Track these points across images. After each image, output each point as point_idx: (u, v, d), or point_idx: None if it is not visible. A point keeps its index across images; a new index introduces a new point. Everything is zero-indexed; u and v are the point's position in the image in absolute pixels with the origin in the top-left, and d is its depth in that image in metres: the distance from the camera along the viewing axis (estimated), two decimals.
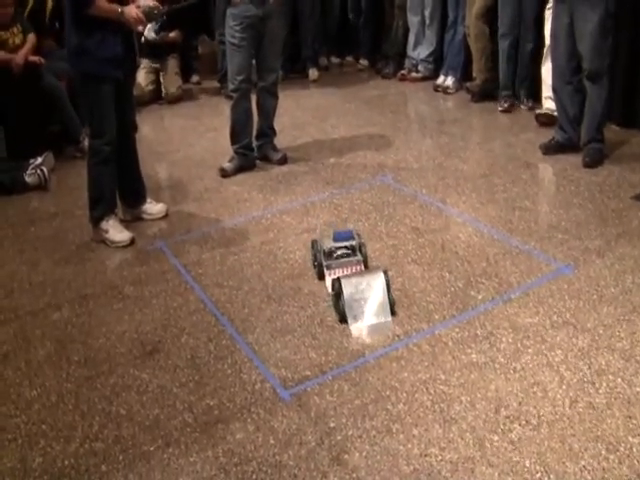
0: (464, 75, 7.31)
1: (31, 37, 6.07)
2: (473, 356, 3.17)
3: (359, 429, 2.80)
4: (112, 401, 3.07)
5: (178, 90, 7.78)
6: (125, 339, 3.51)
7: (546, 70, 5.92)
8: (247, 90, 5.38)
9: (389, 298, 3.52)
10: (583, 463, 2.54)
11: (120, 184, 4.63)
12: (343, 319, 3.48)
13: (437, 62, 7.71)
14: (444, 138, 6.02)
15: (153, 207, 4.82)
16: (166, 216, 4.82)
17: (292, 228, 4.55)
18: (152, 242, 4.50)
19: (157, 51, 7.60)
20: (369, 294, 3.49)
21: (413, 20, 7.72)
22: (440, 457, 2.62)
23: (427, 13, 7.49)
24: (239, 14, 5.11)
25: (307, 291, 3.82)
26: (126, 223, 4.67)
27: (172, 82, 7.77)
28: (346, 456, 2.67)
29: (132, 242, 4.48)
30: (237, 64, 5.27)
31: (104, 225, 4.48)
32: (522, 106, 6.55)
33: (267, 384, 3.10)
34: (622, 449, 2.58)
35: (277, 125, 5.74)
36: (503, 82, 6.56)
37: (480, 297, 3.64)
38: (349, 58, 8.94)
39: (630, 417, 2.73)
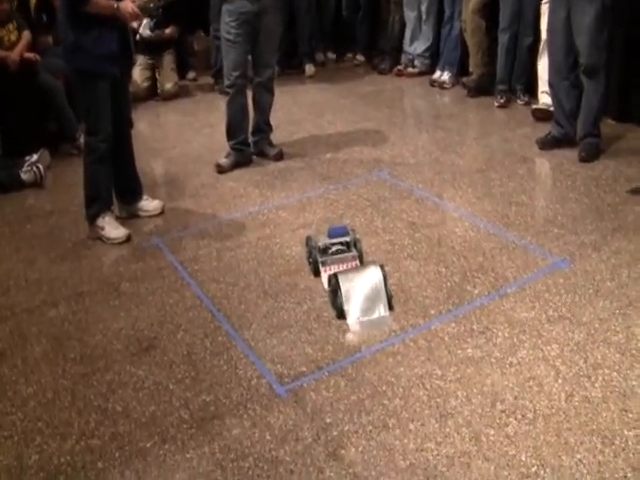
0: (460, 70, 7.30)
1: (26, 34, 6.07)
2: (469, 351, 3.17)
3: (355, 424, 2.80)
4: (108, 398, 3.06)
5: (174, 86, 7.78)
6: (121, 336, 3.50)
7: (542, 65, 5.93)
8: (243, 86, 5.38)
9: (387, 292, 3.52)
10: (579, 457, 2.54)
11: (116, 181, 4.63)
12: (341, 315, 3.48)
13: (433, 57, 7.71)
14: (440, 133, 6.02)
15: (149, 204, 4.81)
16: (162, 213, 4.81)
17: (288, 224, 4.54)
18: (148, 239, 4.50)
19: (153, 47, 7.60)
20: (366, 289, 3.49)
21: (409, 15, 7.72)
22: (436, 452, 2.62)
23: (424, 8, 7.49)
24: (235, 10, 5.11)
25: (303, 287, 3.81)
26: (122, 220, 4.65)
27: (168, 78, 7.76)
28: (342, 451, 2.66)
29: (128, 239, 4.47)
30: (233, 60, 5.27)
31: (100, 222, 4.47)
32: (518, 101, 6.55)
33: (263, 380, 3.10)
34: (617, 442, 2.58)
35: (273, 121, 5.73)
36: (500, 77, 6.54)
37: (476, 292, 3.64)
38: (348, 54, 8.91)
39: (625, 410, 2.73)
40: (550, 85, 5.36)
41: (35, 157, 5.56)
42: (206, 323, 3.56)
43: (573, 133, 5.28)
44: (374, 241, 4.23)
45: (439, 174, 5.13)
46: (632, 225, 4.17)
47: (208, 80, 8.14)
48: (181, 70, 8.20)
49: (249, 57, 5.41)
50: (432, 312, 3.50)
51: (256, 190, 5.11)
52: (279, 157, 5.65)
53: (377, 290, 3.50)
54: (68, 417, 2.97)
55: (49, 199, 5.30)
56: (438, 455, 2.61)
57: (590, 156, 5.11)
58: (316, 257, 3.88)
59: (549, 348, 3.14)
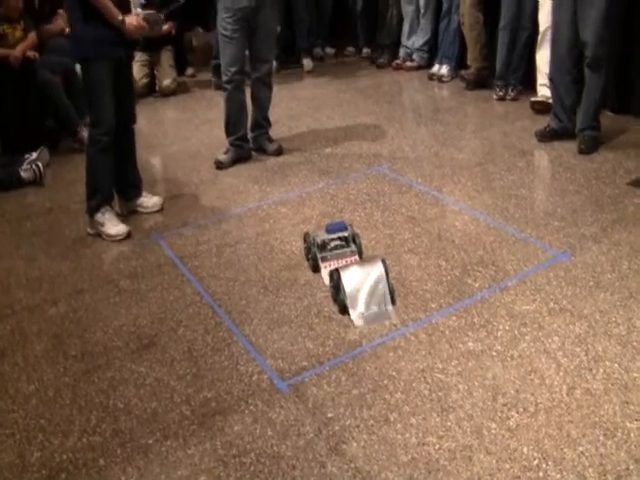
0: (459, 63, 7.29)
1: (32, 35, 6.12)
2: (470, 344, 3.17)
3: (357, 419, 2.79)
4: (109, 395, 3.06)
5: (173, 83, 7.77)
6: (122, 333, 3.50)
7: (540, 57, 5.92)
8: (241, 82, 5.37)
9: (389, 287, 3.52)
10: (581, 449, 2.53)
11: (117, 177, 4.64)
12: (344, 310, 3.47)
13: (432, 51, 7.70)
14: (439, 127, 6.01)
15: (148, 200, 4.81)
16: (161, 209, 4.81)
17: (288, 219, 4.54)
18: (148, 235, 4.50)
19: (151, 44, 7.57)
20: (369, 284, 3.48)
21: (407, 9, 7.71)
22: (438, 446, 2.62)
23: (422, 2, 7.49)
24: (231, 6, 5.10)
25: (304, 282, 3.81)
26: (122, 217, 4.67)
27: (166, 75, 7.75)
28: (344, 446, 2.66)
29: (128, 235, 4.47)
30: (230, 55, 5.26)
31: (100, 218, 4.48)
32: (509, 94, 6.52)
33: (264, 375, 3.10)
34: (619, 435, 2.58)
35: (272, 116, 5.72)
36: (499, 72, 6.50)
37: (477, 285, 3.64)
38: (350, 48, 8.90)
39: (627, 403, 2.73)
40: (551, 80, 5.34)
41: (34, 155, 5.57)
42: (207, 319, 3.56)
43: (572, 126, 5.27)
44: (374, 235, 4.22)
45: (438, 168, 5.12)
46: (632, 217, 4.16)
47: (206, 76, 8.12)
48: (179, 66, 8.18)
49: (246, 52, 5.40)
50: (433, 306, 3.49)
51: (255, 186, 5.11)
52: (278, 152, 5.64)
53: (379, 284, 3.49)
54: (69, 414, 2.97)
55: (49, 197, 5.29)
56: (440, 449, 2.60)
57: (589, 148, 5.10)
58: (315, 253, 3.87)
59: (550, 341, 3.14)
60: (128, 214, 4.75)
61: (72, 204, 5.02)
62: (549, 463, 2.49)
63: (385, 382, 2.98)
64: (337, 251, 3.87)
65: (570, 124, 5.27)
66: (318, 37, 8.76)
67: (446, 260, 3.90)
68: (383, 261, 3.59)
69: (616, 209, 4.26)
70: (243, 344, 3.33)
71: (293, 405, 2.91)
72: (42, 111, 6.07)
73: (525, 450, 2.55)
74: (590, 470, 2.44)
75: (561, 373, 2.93)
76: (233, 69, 5.27)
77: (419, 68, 7.74)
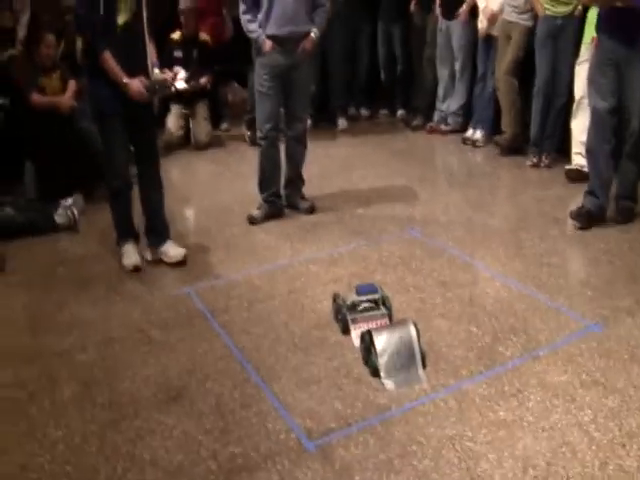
0: (493, 128, 7.33)
1: (72, 83, 6.23)
2: (501, 413, 3.14)
3: None
4: (136, 445, 3.05)
5: (207, 136, 7.84)
6: (150, 383, 3.50)
7: (576, 125, 5.94)
8: (275, 138, 5.44)
9: (420, 350, 3.50)
10: None
11: (145, 221, 4.88)
12: (375, 373, 3.45)
13: (466, 115, 7.74)
14: (472, 191, 6.03)
15: (172, 250, 4.84)
16: (184, 262, 4.81)
17: (319, 278, 4.54)
18: (179, 287, 4.51)
19: (187, 97, 7.69)
20: (400, 347, 3.47)
21: (443, 73, 7.78)
22: None
23: (457, 66, 7.55)
24: (268, 63, 5.18)
25: (334, 342, 3.80)
26: (153, 264, 4.78)
27: (201, 128, 7.83)
28: None
29: (136, 269, 4.72)
30: (265, 112, 5.33)
31: (121, 248, 4.80)
32: (543, 161, 6.54)
33: (292, 434, 3.08)
34: None
35: (305, 174, 5.76)
36: (534, 138, 6.54)
37: (508, 353, 3.61)
38: (384, 111, 8.95)
39: None
40: (589, 151, 5.19)
41: (70, 201, 5.62)
42: (235, 374, 3.55)
43: (607, 205, 5.15)
44: (404, 299, 4.21)
45: (470, 233, 5.13)
46: None
47: (241, 131, 8.20)
48: (214, 120, 8.27)
49: (281, 109, 5.46)
50: (463, 372, 3.47)
51: (287, 243, 5.12)
52: (311, 210, 5.67)
53: (411, 348, 3.48)
54: (95, 463, 2.96)
55: (82, 243, 5.33)
56: None
57: (625, 219, 5.08)
58: (345, 314, 3.86)
59: (582, 413, 3.10)
60: (155, 262, 4.82)
61: (104, 252, 5.05)
62: None
63: (414, 448, 2.95)
64: (367, 313, 3.86)
65: (606, 202, 5.12)
66: (353, 97, 8.83)
67: (477, 326, 3.87)
68: (414, 324, 3.58)
69: None
70: (271, 401, 3.31)
71: (320, 466, 2.88)
72: (79, 159, 6.14)
73: None
74: None
75: (593, 447, 2.89)
76: (268, 125, 5.33)
77: (453, 132, 7.77)
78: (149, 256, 4.86)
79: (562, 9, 6.10)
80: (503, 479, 2.75)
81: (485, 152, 7.19)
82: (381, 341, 3.48)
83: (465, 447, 2.94)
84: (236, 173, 6.86)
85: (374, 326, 3.72)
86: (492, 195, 5.99)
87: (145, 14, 4.41)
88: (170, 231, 4.91)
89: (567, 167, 6.14)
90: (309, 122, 8.25)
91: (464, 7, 7.29)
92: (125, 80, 4.31)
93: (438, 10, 7.60)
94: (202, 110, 7.87)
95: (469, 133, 7.49)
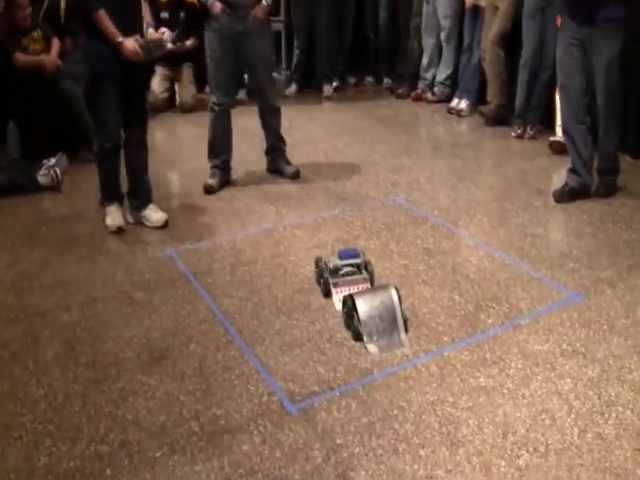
0: (478, 99, 7.32)
1: (55, 42, 6.14)
2: (481, 380, 3.17)
3: (365, 447, 2.79)
4: (119, 405, 3.06)
5: (192, 99, 7.78)
6: (133, 344, 3.50)
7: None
8: (228, 105, 5.40)
9: (402, 315, 3.53)
10: None
11: (128, 184, 4.87)
12: (358, 337, 3.47)
13: (452, 85, 7.73)
14: (457, 161, 6.03)
15: (154, 215, 4.83)
16: (165, 226, 4.80)
17: (303, 242, 4.55)
18: (162, 249, 4.50)
19: (172, 59, 7.61)
20: (383, 311, 3.49)
21: (428, 42, 7.75)
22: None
23: (443, 36, 7.51)
24: (218, 27, 5.12)
25: (316, 306, 3.81)
26: (136, 225, 4.80)
27: (186, 91, 7.78)
28: (352, 473, 2.66)
29: (119, 230, 4.71)
30: (217, 78, 5.29)
31: (105, 207, 4.79)
32: (527, 132, 6.55)
33: (274, 397, 3.10)
34: None
35: (290, 139, 5.75)
36: (519, 110, 6.54)
37: (490, 321, 3.63)
38: (369, 78, 8.88)
39: (639, 450, 2.72)
40: (565, 131, 5.18)
41: (53, 161, 5.58)
42: (218, 337, 3.56)
43: (591, 182, 5.12)
44: (388, 265, 4.23)
45: (455, 201, 5.14)
46: None
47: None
48: (200, 83, 8.19)
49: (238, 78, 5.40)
50: (445, 339, 3.49)
51: (272, 207, 5.12)
52: (296, 176, 5.65)
53: (393, 312, 3.50)
54: (78, 422, 2.97)
55: (65, 203, 5.31)
56: None
57: (608, 192, 5.09)
58: (327, 278, 3.88)
59: (562, 382, 3.13)
60: (135, 224, 4.83)
61: (87, 212, 5.04)
62: None
63: (395, 412, 2.98)
64: (349, 277, 3.88)
65: (590, 179, 5.10)
66: (339, 65, 8.78)
67: (460, 294, 3.90)
68: (396, 288, 3.60)
69: (632, 254, 4.26)
70: (254, 364, 3.33)
71: (302, 429, 2.90)
72: (63, 119, 6.09)
73: None
74: None
75: (573, 415, 2.92)
76: (219, 93, 5.32)
77: (439, 101, 7.76)
78: (131, 219, 4.86)
79: None
80: (483, 444, 2.78)
81: (470, 122, 7.18)
82: (363, 305, 3.50)
83: (446, 412, 2.97)
84: None
85: (355, 290, 3.74)
86: (477, 165, 5.99)
87: None
88: (152, 194, 4.90)
89: (551, 139, 6.14)
90: (294, 87, 8.30)
91: None
92: (120, 39, 4.27)
93: None
94: (187, 73, 7.81)
95: (454, 103, 7.46)
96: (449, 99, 7.63)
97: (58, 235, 4.74)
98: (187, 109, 7.71)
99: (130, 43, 4.30)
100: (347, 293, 3.69)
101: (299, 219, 4.90)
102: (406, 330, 3.51)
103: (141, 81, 4.70)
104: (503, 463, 2.68)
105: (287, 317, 3.71)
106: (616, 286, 3.92)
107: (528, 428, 2.86)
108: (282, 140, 5.72)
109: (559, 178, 5.39)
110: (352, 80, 8.87)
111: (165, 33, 7.42)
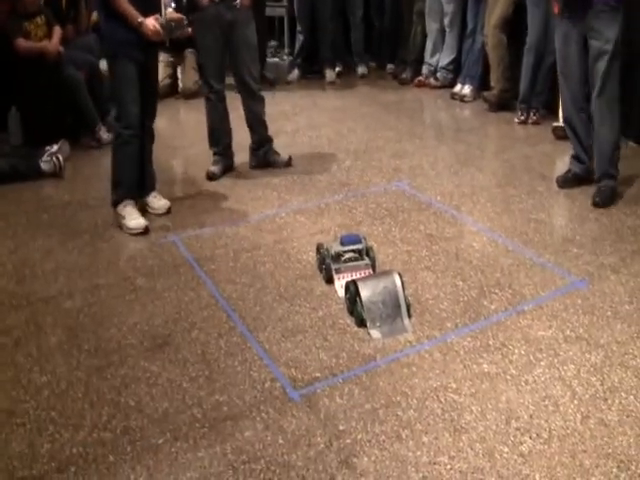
0: (482, 84, 7.29)
1: (57, 29, 6.13)
2: (485, 366, 3.16)
3: (368, 433, 2.79)
4: (121, 392, 3.06)
5: (195, 85, 7.75)
6: (136, 331, 3.50)
7: None
8: (222, 91, 5.37)
9: (405, 300, 3.52)
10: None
11: None
12: (361, 323, 3.47)
13: (456, 70, 7.70)
14: (460, 146, 6.01)
15: (156, 202, 4.82)
16: (168, 213, 4.80)
17: (306, 228, 4.54)
18: (165, 235, 4.50)
19: (175, 45, 7.57)
20: (386, 296, 3.49)
21: (432, 27, 7.72)
22: (449, 466, 2.61)
23: (446, 21, 7.49)
24: (207, 18, 5.07)
25: (319, 292, 3.81)
26: (140, 211, 4.70)
27: (189, 77, 7.77)
28: (355, 460, 2.65)
29: (146, 231, 4.51)
30: (210, 67, 5.26)
31: (121, 210, 4.56)
32: (531, 117, 6.52)
33: (277, 383, 3.09)
34: (633, 468, 2.56)
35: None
36: (523, 95, 6.48)
37: (493, 307, 3.63)
38: (372, 64, 8.84)
39: None
40: (566, 120, 5.10)
41: (55, 147, 5.58)
42: (221, 323, 3.56)
43: (594, 167, 4.97)
44: (391, 251, 4.22)
45: (458, 187, 5.12)
46: None
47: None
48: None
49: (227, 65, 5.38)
50: (448, 325, 3.49)
51: (274, 193, 5.11)
52: (289, 163, 5.61)
53: (396, 297, 3.49)
54: (81, 408, 2.97)
55: (67, 190, 5.30)
56: (451, 469, 2.59)
57: (605, 201, 4.77)
58: (329, 264, 3.87)
59: (565, 368, 3.12)
60: (140, 210, 4.74)
61: (90, 199, 5.04)
62: None
63: (398, 398, 2.98)
64: (351, 263, 3.87)
65: (592, 164, 4.97)
66: (344, 53, 8.73)
67: (463, 280, 3.89)
68: (399, 274, 3.59)
69: (636, 240, 4.25)
70: (256, 350, 3.32)
71: (305, 415, 2.90)
72: (65, 106, 6.08)
73: (537, 477, 2.54)
74: None
75: (575, 401, 2.92)
76: (214, 80, 5.28)
77: (442, 87, 7.73)
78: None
79: None
80: (486, 431, 2.78)
81: (473, 107, 7.16)
82: (366, 291, 3.49)
83: (449, 399, 2.96)
84: None
85: (358, 276, 3.74)
86: (480, 150, 5.98)
87: None
88: (156, 182, 4.88)
89: (554, 124, 6.11)
90: (297, 72, 8.28)
91: None
92: (140, 19, 4.23)
93: None
94: (190, 59, 7.78)
95: (457, 88, 7.44)
96: (452, 84, 7.61)
97: (60, 222, 4.73)
98: (189, 95, 7.70)
99: (151, 22, 4.26)
100: (349, 279, 3.68)
101: (302, 205, 4.90)
102: (409, 316, 3.51)
103: (156, 66, 4.66)
104: (506, 449, 2.68)
105: (290, 303, 3.71)
106: (620, 272, 3.91)
107: (531, 414, 2.85)
108: (269, 138, 5.65)
109: (562, 164, 5.36)
110: (364, 70, 8.67)
111: (171, 4, 7.40)
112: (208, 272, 4.04)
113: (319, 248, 4.02)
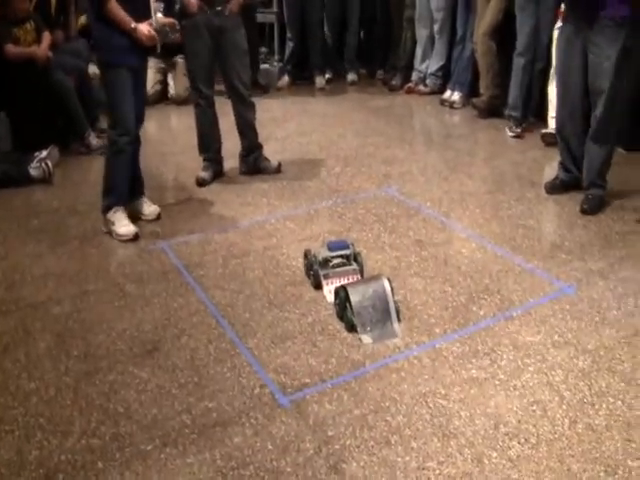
0: (471, 91, 7.31)
1: (46, 35, 6.10)
2: (473, 371, 3.17)
3: (357, 439, 2.79)
4: (110, 398, 3.06)
5: (186, 91, 7.73)
6: (125, 337, 3.50)
7: (552, 90, 5.90)
8: (212, 97, 5.37)
9: (395, 305, 3.54)
10: None
11: None
12: (351, 328, 3.48)
13: (445, 77, 7.72)
14: (450, 152, 6.03)
15: (147, 207, 4.81)
16: (157, 219, 4.79)
17: (295, 235, 4.54)
18: (154, 242, 4.49)
19: (165, 51, 7.57)
20: (376, 301, 3.50)
21: (422, 33, 7.75)
22: (438, 471, 2.62)
23: (436, 27, 7.52)
24: (197, 25, 5.06)
25: (308, 298, 3.81)
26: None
27: (180, 83, 7.75)
28: (344, 465, 2.66)
29: (136, 237, 4.49)
30: (200, 73, 5.25)
31: (111, 216, 4.53)
32: (521, 128, 6.49)
33: (266, 389, 3.09)
34: (621, 472, 2.58)
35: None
36: (512, 103, 6.46)
37: (482, 313, 3.64)
38: (362, 70, 8.84)
39: (629, 440, 2.73)
40: (558, 130, 5.05)
41: (44, 153, 5.56)
42: (210, 329, 3.55)
43: (581, 176, 4.95)
44: (380, 257, 4.23)
45: (447, 193, 5.14)
46: None
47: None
48: None
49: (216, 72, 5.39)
50: (437, 331, 3.49)
51: (264, 199, 5.11)
52: (279, 169, 5.62)
53: (385, 302, 3.51)
54: (70, 415, 2.96)
55: (57, 196, 5.29)
56: (440, 475, 2.60)
57: (593, 209, 4.78)
58: (317, 270, 3.88)
59: (553, 373, 3.14)
60: (129, 216, 4.71)
61: (79, 204, 5.03)
62: None
63: (387, 404, 2.98)
64: (339, 269, 3.88)
65: (580, 174, 4.95)
66: (335, 60, 8.74)
67: (452, 286, 3.90)
68: (387, 278, 3.60)
69: (624, 246, 4.27)
70: (246, 357, 3.32)
71: (294, 421, 2.90)
72: (54, 111, 6.07)
73: None
74: None
75: (564, 406, 2.93)
76: (204, 86, 5.28)
77: (432, 93, 7.75)
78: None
79: None
80: (475, 436, 2.78)
81: (463, 114, 7.19)
82: (356, 296, 3.50)
83: (438, 404, 2.97)
84: None
85: (346, 281, 3.74)
86: (469, 156, 5.99)
87: None
88: (144, 187, 4.88)
89: (543, 131, 6.14)
90: (287, 79, 8.29)
91: None
92: (133, 25, 4.22)
93: None
94: (181, 65, 7.76)
95: (447, 95, 7.47)
96: (441, 91, 7.64)
97: (50, 227, 4.72)
98: (180, 101, 7.69)
99: (145, 27, 4.25)
100: (338, 284, 3.69)
101: (291, 211, 4.90)
102: (399, 320, 3.51)
103: (145, 71, 4.66)
104: (495, 454, 2.69)
105: (279, 309, 3.71)
106: (608, 278, 3.93)
107: (519, 419, 2.86)
108: (258, 144, 5.65)
109: (551, 170, 5.37)
110: (354, 78, 8.61)
111: (160, 8, 7.40)
112: (197, 278, 4.04)
113: (307, 254, 4.02)
